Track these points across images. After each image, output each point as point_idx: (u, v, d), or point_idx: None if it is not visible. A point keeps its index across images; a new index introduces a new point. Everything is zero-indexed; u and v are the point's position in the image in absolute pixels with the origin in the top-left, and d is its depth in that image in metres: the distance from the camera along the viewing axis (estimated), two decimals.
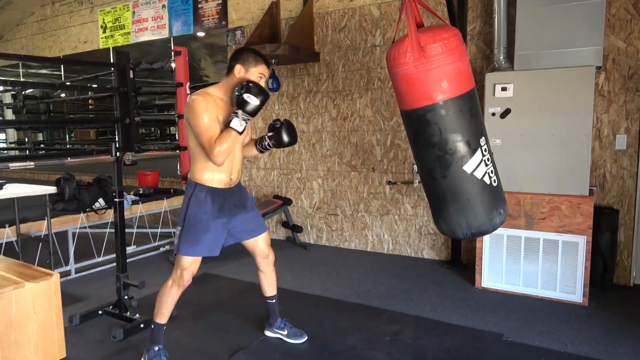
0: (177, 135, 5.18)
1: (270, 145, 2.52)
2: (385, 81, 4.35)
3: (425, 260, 4.28)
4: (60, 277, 3.27)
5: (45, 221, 3.73)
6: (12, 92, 7.52)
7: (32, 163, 2.63)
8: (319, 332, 2.83)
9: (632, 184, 3.47)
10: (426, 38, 1.93)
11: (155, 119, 8.80)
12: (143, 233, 4.73)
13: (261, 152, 2.58)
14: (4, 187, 3.73)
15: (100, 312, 3.11)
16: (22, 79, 8.41)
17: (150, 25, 5.95)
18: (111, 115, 6.84)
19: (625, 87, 3.42)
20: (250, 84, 2.18)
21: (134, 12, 6.08)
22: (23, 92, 6.78)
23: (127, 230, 3.38)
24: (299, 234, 4.86)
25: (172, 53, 4.94)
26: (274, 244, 2.79)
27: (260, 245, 2.60)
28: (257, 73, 2.32)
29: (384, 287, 3.61)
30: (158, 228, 4.73)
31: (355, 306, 3.26)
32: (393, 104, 4.32)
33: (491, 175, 2.09)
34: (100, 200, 4.13)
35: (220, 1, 5.27)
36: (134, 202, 4.48)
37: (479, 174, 2.05)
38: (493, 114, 3.36)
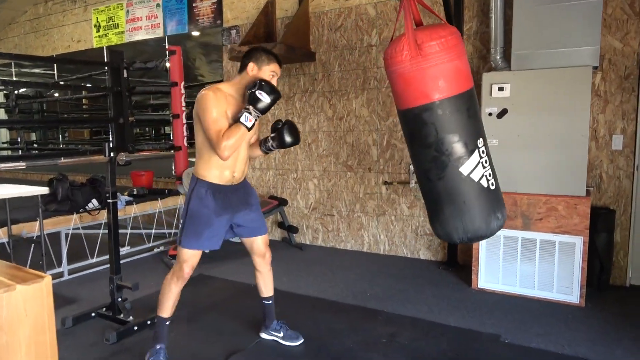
0: (171, 135, 5.14)
1: (274, 146, 2.51)
2: (381, 81, 4.33)
3: (421, 260, 4.26)
4: (53, 278, 3.23)
5: (38, 222, 3.68)
6: (5, 92, 7.45)
7: (24, 163, 2.59)
8: (315, 334, 2.80)
9: (629, 184, 3.47)
10: (423, 36, 1.90)
11: (150, 118, 8.76)
12: (137, 234, 4.68)
13: (265, 153, 2.58)
14: None
15: (93, 314, 3.07)
16: (14, 78, 8.33)
17: (145, 24, 5.90)
18: (105, 115, 6.80)
19: (622, 87, 3.42)
20: (263, 82, 2.22)
21: (127, 11, 6.03)
22: (16, 92, 6.71)
23: (120, 231, 3.34)
24: (294, 235, 4.83)
25: (167, 52, 4.91)
26: (270, 244, 2.77)
27: (258, 244, 2.62)
28: (270, 71, 2.35)
29: (380, 288, 3.59)
30: (152, 229, 4.69)
31: (352, 307, 3.24)
32: (389, 104, 4.30)
33: (489, 178, 2.05)
34: (94, 200, 4.09)
35: (215, 0, 5.23)
36: (128, 203, 4.44)
37: (475, 177, 2.01)
38: (490, 114, 3.34)
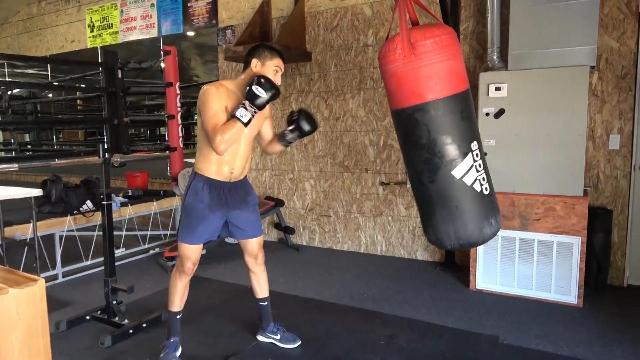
0: (166, 136, 5.11)
1: (294, 137, 2.47)
2: (378, 81, 4.31)
3: (418, 261, 4.25)
4: (47, 281, 3.18)
5: (31, 224, 3.64)
6: None
7: (17, 165, 2.55)
8: (313, 336, 2.78)
9: (626, 184, 3.47)
10: (417, 35, 1.86)
11: (145, 119, 8.71)
12: (132, 235, 4.64)
13: (286, 146, 2.57)
14: None
15: (87, 317, 3.03)
16: (7, 79, 8.25)
17: (139, 25, 5.86)
18: (99, 116, 6.75)
19: (619, 87, 3.41)
20: (263, 79, 2.20)
21: (122, 11, 5.99)
22: (9, 92, 6.65)
23: (115, 232, 3.30)
24: (291, 236, 4.80)
25: (162, 52, 4.88)
26: (266, 245, 2.75)
27: (252, 246, 2.61)
28: (273, 66, 2.36)
29: (377, 289, 3.57)
30: (147, 230, 4.65)
31: (349, 309, 3.21)
32: (386, 104, 4.28)
33: (482, 182, 1.98)
34: (88, 202, 4.04)
35: (210, 0, 5.20)
36: (123, 204, 4.39)
37: (468, 180, 1.94)
38: (487, 114, 3.33)
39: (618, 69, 3.40)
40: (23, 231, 3.70)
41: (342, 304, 3.31)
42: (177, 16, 5.50)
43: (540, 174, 3.22)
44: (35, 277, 2.41)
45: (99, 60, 6.01)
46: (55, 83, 7.03)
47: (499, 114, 3.30)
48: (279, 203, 4.74)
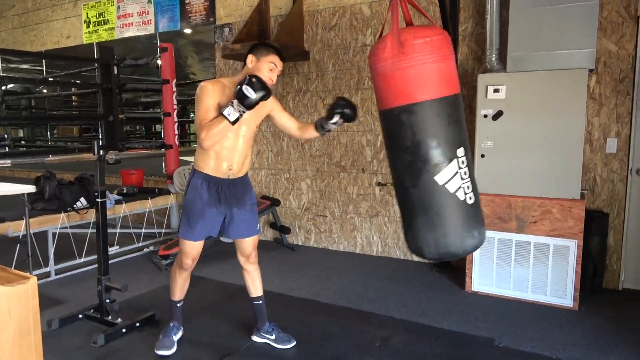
0: (162, 134, 5.07)
1: (335, 126, 2.38)
2: None
3: (414, 262, 4.23)
4: (39, 279, 3.15)
5: (24, 221, 3.60)
6: None
7: (9, 161, 2.51)
8: (308, 337, 2.76)
9: (622, 188, 3.47)
10: (407, 34, 1.82)
11: (140, 116, 8.66)
12: (126, 233, 4.60)
13: (323, 134, 2.52)
14: None
15: (80, 316, 3.00)
16: (1, 74, 8.18)
17: (136, 21, 5.82)
18: (94, 113, 6.71)
19: (617, 90, 3.41)
20: (254, 79, 2.16)
21: (118, 7, 5.94)
22: (3, 87, 6.59)
23: (109, 230, 3.27)
24: (287, 236, 4.78)
25: (158, 49, 4.85)
26: (262, 245, 2.74)
27: (246, 245, 2.61)
28: (268, 62, 2.34)
29: (373, 290, 3.55)
30: (142, 228, 4.61)
31: (345, 310, 3.20)
32: None
33: (467, 191, 1.89)
34: (82, 199, 4.01)
35: None
36: (117, 202, 4.36)
37: (451, 187, 1.86)
38: (485, 116, 3.32)
39: (616, 73, 3.40)
40: (15, 228, 3.66)
41: (337, 304, 3.29)
42: (175, 13, 5.47)
43: (537, 176, 3.21)
44: (27, 274, 2.38)
45: (95, 57, 5.96)
46: (50, 79, 6.98)
47: (497, 115, 3.29)
48: (275, 202, 4.72)
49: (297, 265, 4.21)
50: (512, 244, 3.30)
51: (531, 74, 3.21)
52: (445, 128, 1.87)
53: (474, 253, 3.42)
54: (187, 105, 6.67)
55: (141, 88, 7.05)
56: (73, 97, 8.43)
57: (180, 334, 2.69)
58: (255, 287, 2.67)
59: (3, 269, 2.51)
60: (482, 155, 3.36)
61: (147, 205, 4.63)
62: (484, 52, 3.67)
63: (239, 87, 2.16)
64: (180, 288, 2.64)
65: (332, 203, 4.66)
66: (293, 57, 4.49)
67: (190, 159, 2.59)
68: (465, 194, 1.89)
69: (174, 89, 4.81)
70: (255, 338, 2.72)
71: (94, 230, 3.33)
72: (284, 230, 4.72)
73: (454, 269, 3.96)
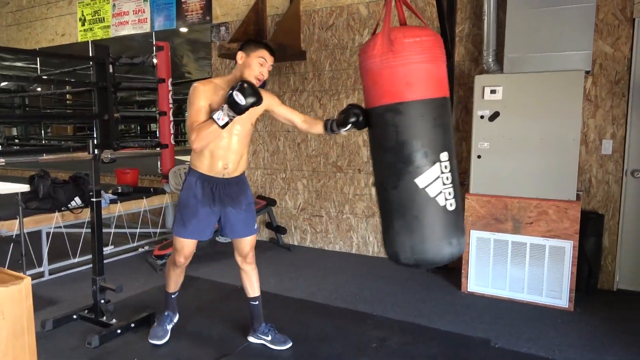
0: (157, 133, 5.04)
1: (345, 131, 2.27)
2: None
3: None
4: (33, 279, 3.12)
5: (17, 220, 3.56)
6: None
7: (3, 159, 2.49)
8: (304, 338, 2.75)
9: (617, 189, 3.49)
10: (397, 33, 1.81)
11: (135, 115, 8.62)
12: (121, 233, 4.58)
13: (329, 134, 2.47)
14: None
15: (74, 316, 2.97)
16: None
17: (131, 19, 5.78)
18: (89, 111, 6.66)
19: (612, 92, 3.43)
20: (245, 85, 2.15)
21: (114, 5, 5.90)
22: None
23: (104, 230, 3.25)
24: (282, 236, 4.77)
25: (154, 48, 4.82)
26: (258, 245, 2.73)
27: (243, 245, 2.60)
28: (257, 57, 2.33)
29: (369, 291, 3.55)
30: (137, 228, 4.58)
31: (341, 310, 3.19)
32: None
33: (448, 197, 1.85)
34: (77, 199, 3.97)
35: None
36: (112, 201, 4.33)
37: (432, 192, 1.82)
38: (482, 117, 3.32)
39: (612, 75, 3.42)
40: (9, 227, 3.62)
41: (333, 305, 3.28)
42: (171, 12, 5.44)
43: (533, 177, 3.22)
44: (21, 274, 2.36)
45: (90, 55, 5.92)
46: (45, 77, 6.92)
47: (494, 116, 3.29)
48: (271, 202, 4.71)
49: (293, 265, 4.20)
50: (508, 245, 3.31)
51: (528, 75, 3.22)
52: (430, 130, 1.84)
53: (470, 254, 3.42)
54: (182, 105, 6.64)
55: (136, 87, 7.01)
56: (67, 95, 8.38)
57: (175, 319, 2.81)
58: (253, 287, 2.66)
59: None
60: (479, 156, 3.36)
61: (142, 204, 4.61)
62: (481, 53, 3.67)
63: (230, 92, 2.15)
64: (174, 281, 2.72)
65: (328, 203, 4.65)
66: (290, 56, 4.48)
67: (186, 158, 2.59)
68: (446, 199, 1.85)
69: (170, 87, 4.79)
70: (251, 339, 2.71)
71: (89, 230, 3.31)
72: (280, 230, 4.71)
73: (450, 269, 3.96)
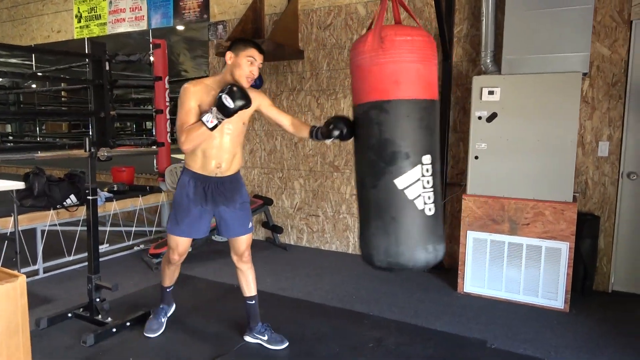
0: (153, 131, 5.02)
1: (331, 141, 2.21)
2: None
3: None
4: (28, 277, 3.10)
5: (12, 218, 3.53)
6: None
7: None
8: (301, 338, 2.75)
9: (613, 191, 3.50)
10: (389, 30, 1.80)
11: (132, 113, 8.58)
12: (116, 231, 4.55)
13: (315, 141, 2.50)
14: None
15: (69, 315, 2.95)
16: None
17: (128, 17, 5.75)
18: (85, 109, 6.62)
19: (609, 94, 3.44)
20: (235, 88, 2.17)
21: (110, 2, 5.87)
22: None
23: (99, 228, 3.22)
24: (279, 235, 4.76)
25: (151, 46, 4.80)
26: (254, 244, 2.72)
27: (239, 244, 2.60)
28: (246, 56, 2.32)
29: (366, 291, 3.54)
30: (132, 226, 4.56)
31: (338, 310, 3.19)
32: None
33: (427, 201, 1.81)
34: (72, 196, 3.95)
35: None
36: (108, 199, 4.30)
37: (411, 194, 1.79)
38: (479, 118, 3.33)
39: (609, 77, 3.43)
40: (4, 225, 3.59)
41: (330, 305, 3.28)
42: (168, 9, 5.41)
43: (530, 178, 3.23)
44: (16, 272, 2.34)
45: (87, 52, 5.89)
46: (40, 74, 6.87)
47: (491, 118, 3.30)
48: (268, 202, 4.70)
49: (290, 265, 4.19)
50: (505, 246, 3.31)
51: (525, 76, 3.22)
52: (414, 132, 1.82)
53: (466, 254, 3.43)
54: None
55: (133, 84, 6.98)
56: (63, 92, 8.33)
57: (171, 311, 2.91)
58: (249, 286, 2.66)
59: None
60: (476, 157, 3.36)
61: (138, 203, 4.58)
62: (479, 54, 3.68)
63: (219, 95, 2.16)
64: (169, 277, 2.78)
65: (324, 203, 4.64)
66: (287, 55, 4.47)
67: (182, 156, 2.58)
68: (425, 203, 1.81)
69: (167, 85, 4.77)
70: (247, 338, 2.70)
71: (84, 228, 3.29)
72: (277, 229, 4.70)
73: (446, 270, 3.96)
